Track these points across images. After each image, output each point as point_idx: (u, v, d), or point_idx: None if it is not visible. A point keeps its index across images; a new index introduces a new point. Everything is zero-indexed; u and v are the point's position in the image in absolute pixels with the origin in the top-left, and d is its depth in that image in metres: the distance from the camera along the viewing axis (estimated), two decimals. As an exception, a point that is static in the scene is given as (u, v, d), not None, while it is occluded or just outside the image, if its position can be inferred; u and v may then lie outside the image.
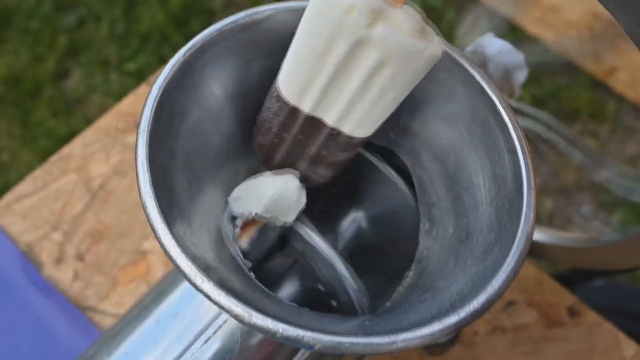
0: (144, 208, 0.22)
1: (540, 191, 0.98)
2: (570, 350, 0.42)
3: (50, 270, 0.44)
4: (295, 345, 0.20)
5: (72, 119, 1.12)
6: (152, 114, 0.24)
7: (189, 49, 0.25)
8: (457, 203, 0.27)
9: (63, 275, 0.44)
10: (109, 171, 0.48)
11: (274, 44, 0.27)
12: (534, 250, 0.44)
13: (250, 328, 0.20)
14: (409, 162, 0.30)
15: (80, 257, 0.45)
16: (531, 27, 1.08)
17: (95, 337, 0.41)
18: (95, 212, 0.46)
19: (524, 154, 0.23)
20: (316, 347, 0.20)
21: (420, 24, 0.22)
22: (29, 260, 0.44)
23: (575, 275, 0.45)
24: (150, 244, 0.45)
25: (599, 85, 1.09)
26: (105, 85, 1.16)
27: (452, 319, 0.21)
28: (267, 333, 0.20)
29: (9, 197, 0.47)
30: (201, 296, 0.27)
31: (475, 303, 0.21)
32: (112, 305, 0.43)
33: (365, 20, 0.21)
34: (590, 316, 0.43)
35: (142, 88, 0.52)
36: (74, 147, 0.49)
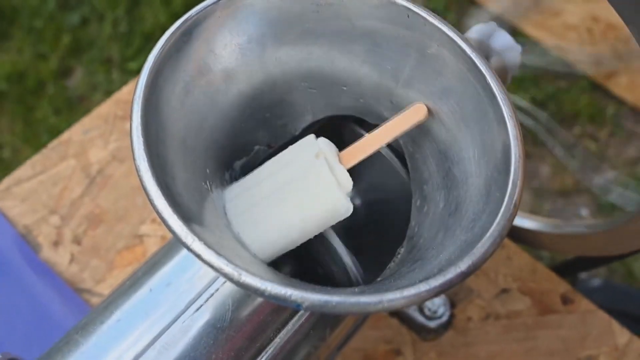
0: (137, 171, 0.23)
1: (539, 193, 0.98)
2: (564, 337, 0.42)
3: (47, 253, 0.45)
4: (283, 304, 0.20)
5: (74, 117, 1.12)
6: (148, 82, 0.24)
7: (185, 21, 0.26)
8: (447, 178, 0.28)
9: (60, 258, 0.44)
10: (107, 157, 0.48)
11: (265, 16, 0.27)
12: (530, 239, 0.44)
13: (240, 287, 0.21)
14: (402, 140, 0.30)
15: (77, 241, 0.45)
16: (531, 30, 1.08)
17: (90, 318, 0.41)
18: (93, 197, 0.47)
19: (512, 123, 0.24)
20: (304, 306, 0.21)
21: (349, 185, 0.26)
22: (26, 243, 0.45)
23: (571, 266, 0.45)
24: (147, 229, 0.45)
25: (598, 89, 1.09)
26: (107, 84, 1.17)
27: (438, 280, 0.21)
28: (256, 292, 0.21)
29: (8, 180, 0.48)
30: (193, 266, 0.28)
31: (462, 265, 0.21)
32: (109, 288, 0.43)
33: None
34: (584, 304, 0.43)
35: (142, 77, 0.53)
36: (73, 133, 0.49)
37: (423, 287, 0.21)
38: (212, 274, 0.27)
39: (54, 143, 0.49)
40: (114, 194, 0.47)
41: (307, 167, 0.27)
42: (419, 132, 0.29)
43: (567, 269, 0.45)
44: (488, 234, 0.22)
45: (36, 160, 0.49)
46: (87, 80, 1.18)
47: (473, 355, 0.41)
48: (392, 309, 0.21)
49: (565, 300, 0.43)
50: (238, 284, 0.21)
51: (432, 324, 0.42)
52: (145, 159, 0.23)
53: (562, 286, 0.43)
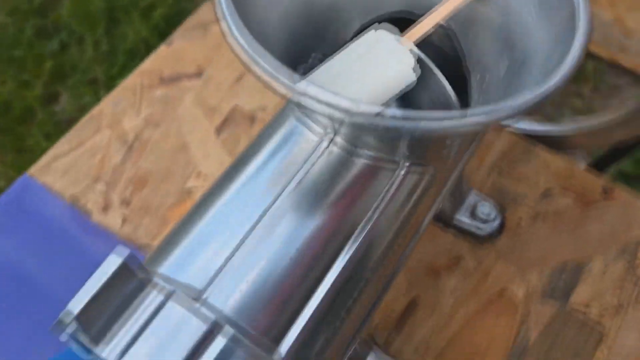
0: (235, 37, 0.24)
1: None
2: (610, 224, 0.44)
3: (98, 218, 0.45)
4: (406, 128, 0.21)
5: (66, 138, 1.11)
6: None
7: None
8: (507, 42, 0.29)
9: (112, 221, 0.45)
10: (141, 123, 0.49)
11: None
12: (563, 145, 0.46)
13: (354, 119, 0.22)
14: (453, 24, 0.32)
15: (126, 203, 0.45)
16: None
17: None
18: (133, 161, 0.47)
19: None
20: (420, 126, 0.22)
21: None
22: (76, 210, 0.45)
23: (606, 160, 0.47)
24: (193, 182, 0.46)
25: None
26: (95, 104, 1.17)
27: (543, 86, 0.22)
28: (375, 123, 0.22)
29: (46, 158, 0.48)
30: (282, 150, 0.29)
31: (558, 74, 0.23)
32: (165, 241, 0.44)
33: None
34: (624, 194, 0.45)
35: (162, 49, 0.54)
36: (104, 107, 0.50)
37: (530, 95, 0.22)
38: (307, 150, 0.28)
39: (85, 118, 0.50)
40: (153, 157, 0.48)
41: (375, 43, 0.29)
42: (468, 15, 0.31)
43: (603, 164, 0.47)
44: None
45: (70, 136, 0.49)
46: (74, 103, 1.18)
47: (528, 254, 0.43)
48: (508, 118, 0.22)
49: (606, 191, 0.45)
50: (357, 115, 0.22)
51: (487, 228, 0.43)
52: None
53: (600, 180, 0.45)
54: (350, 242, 0.27)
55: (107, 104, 0.50)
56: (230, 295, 0.25)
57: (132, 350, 0.23)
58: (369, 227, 0.28)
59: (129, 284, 0.24)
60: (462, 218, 0.44)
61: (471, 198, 0.44)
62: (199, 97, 0.50)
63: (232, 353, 0.23)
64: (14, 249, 0.43)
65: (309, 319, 0.25)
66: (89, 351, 0.24)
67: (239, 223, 0.27)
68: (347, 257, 0.27)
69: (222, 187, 0.28)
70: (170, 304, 0.24)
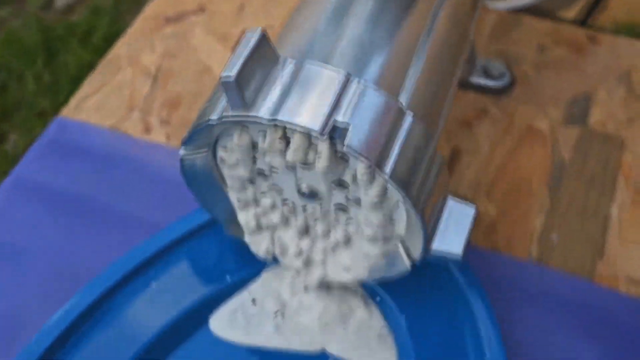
0: None
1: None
2: (603, 63, 0.50)
3: (143, 139, 0.46)
4: None
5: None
6: None
7: None
8: None
9: (156, 139, 0.46)
10: (159, 57, 0.51)
11: None
12: (546, 13, 0.52)
13: None
14: None
15: (165, 122, 0.47)
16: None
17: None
18: (162, 89, 0.49)
19: None
20: None
21: None
22: (120, 134, 0.46)
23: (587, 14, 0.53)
24: (225, 95, 0.48)
25: None
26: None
27: None
28: None
29: (74, 101, 0.49)
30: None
31: None
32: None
33: None
34: (607, 38, 0.51)
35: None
36: (119, 49, 0.52)
37: None
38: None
39: (103, 62, 0.51)
40: (180, 82, 0.50)
41: None
42: None
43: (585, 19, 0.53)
44: None
45: (92, 79, 0.50)
46: (26, 138, 1.16)
47: (542, 95, 0.48)
48: None
49: (591, 38, 0.51)
50: None
51: (501, 83, 0.48)
52: None
53: (584, 31, 0.52)
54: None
55: (121, 47, 0.52)
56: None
57: (286, 105, 0.26)
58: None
59: (267, 55, 0.26)
60: (477, 79, 0.48)
61: (480, 61, 0.49)
62: (208, 27, 0.53)
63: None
64: (67, 182, 0.44)
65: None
66: (242, 116, 0.26)
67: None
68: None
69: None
70: (308, 65, 0.27)
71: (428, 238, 0.29)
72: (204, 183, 0.33)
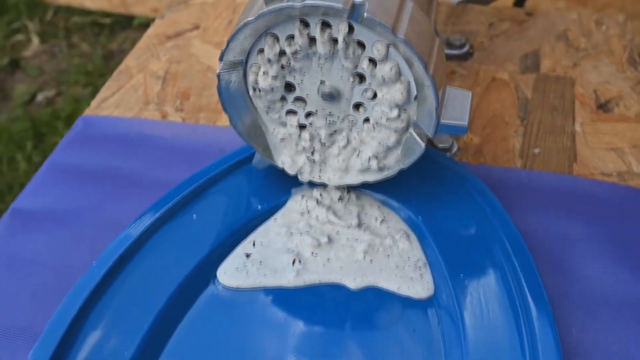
0: None
1: None
2: (542, 28, 0.59)
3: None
4: None
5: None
6: None
7: None
8: None
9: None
10: (166, 64, 0.58)
11: None
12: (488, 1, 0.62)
13: None
14: None
15: (180, 109, 0.53)
16: None
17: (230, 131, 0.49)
18: (172, 86, 0.56)
19: None
20: None
21: None
22: (141, 120, 0.52)
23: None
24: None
25: None
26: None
27: None
28: None
29: (95, 102, 0.55)
30: None
31: None
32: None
33: None
34: (540, 12, 0.61)
35: (158, 21, 0.64)
36: (128, 62, 0.59)
37: None
38: None
39: (116, 72, 0.58)
40: (187, 79, 0.56)
41: None
42: None
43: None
44: None
45: (109, 85, 0.56)
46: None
47: (499, 56, 0.57)
48: None
49: (528, 13, 0.61)
50: None
51: (463, 50, 0.57)
52: None
53: (522, 10, 0.62)
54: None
55: (130, 60, 0.59)
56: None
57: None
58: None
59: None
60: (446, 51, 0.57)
61: (443, 35, 0.58)
62: (204, 39, 0.61)
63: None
64: (98, 161, 0.49)
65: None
66: (276, 9, 0.33)
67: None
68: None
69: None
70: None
71: (439, 104, 0.35)
72: (237, 106, 0.39)
